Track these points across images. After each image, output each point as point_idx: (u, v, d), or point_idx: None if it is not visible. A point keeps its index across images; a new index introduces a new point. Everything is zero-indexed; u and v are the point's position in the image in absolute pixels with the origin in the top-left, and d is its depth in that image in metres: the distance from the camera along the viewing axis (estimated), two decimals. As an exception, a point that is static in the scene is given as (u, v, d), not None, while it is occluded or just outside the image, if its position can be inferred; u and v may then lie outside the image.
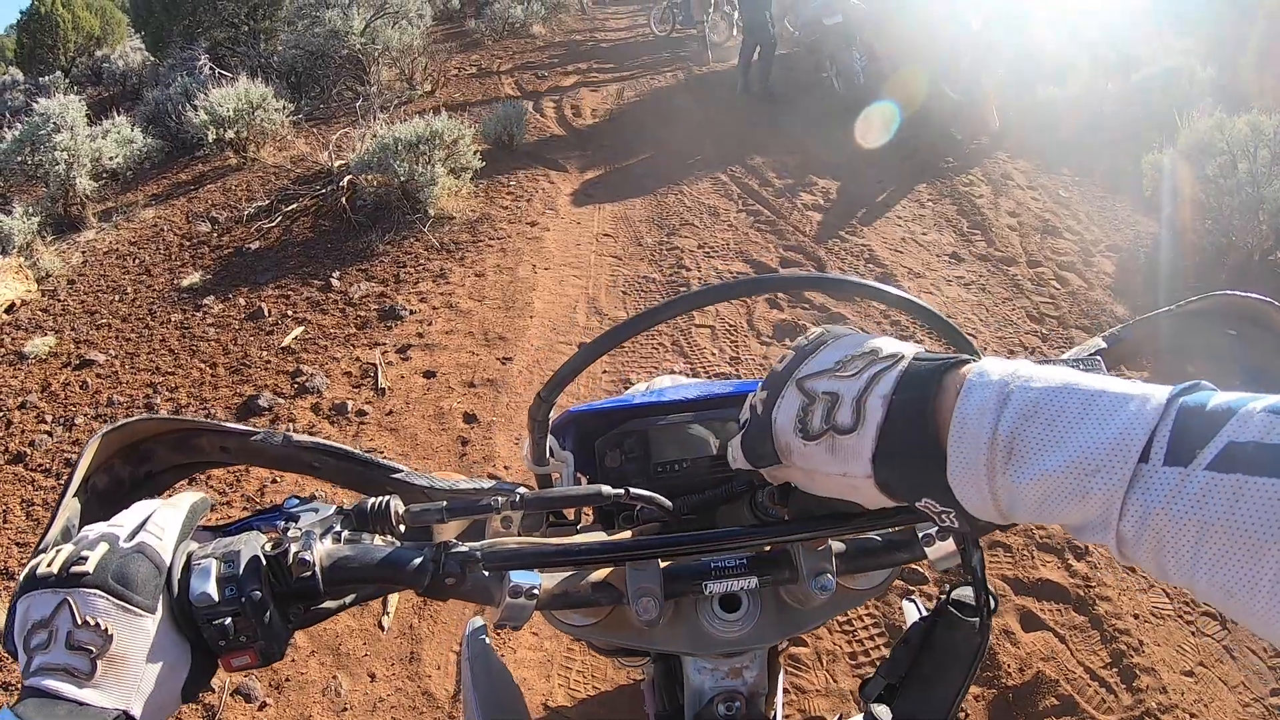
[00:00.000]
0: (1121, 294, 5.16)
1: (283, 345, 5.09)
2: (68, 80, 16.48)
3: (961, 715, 2.79)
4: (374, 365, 4.76)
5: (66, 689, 0.64)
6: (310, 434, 4.09)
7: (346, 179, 6.91)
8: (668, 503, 0.96)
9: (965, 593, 0.92)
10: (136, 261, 6.98)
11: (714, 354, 4.75)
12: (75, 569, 0.67)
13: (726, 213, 6.70)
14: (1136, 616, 3.11)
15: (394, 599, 3.31)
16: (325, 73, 11.25)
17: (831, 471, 0.66)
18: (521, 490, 0.88)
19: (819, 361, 0.68)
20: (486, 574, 0.79)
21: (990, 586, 0.93)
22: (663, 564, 0.86)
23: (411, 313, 5.29)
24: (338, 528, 0.80)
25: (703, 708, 0.97)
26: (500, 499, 0.84)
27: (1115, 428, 0.52)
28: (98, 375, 5.15)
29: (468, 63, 12.70)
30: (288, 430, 0.94)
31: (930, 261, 5.81)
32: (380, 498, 0.82)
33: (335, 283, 5.74)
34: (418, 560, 0.77)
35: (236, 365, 4.98)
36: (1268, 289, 3.88)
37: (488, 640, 1.29)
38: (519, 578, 0.78)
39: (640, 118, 9.61)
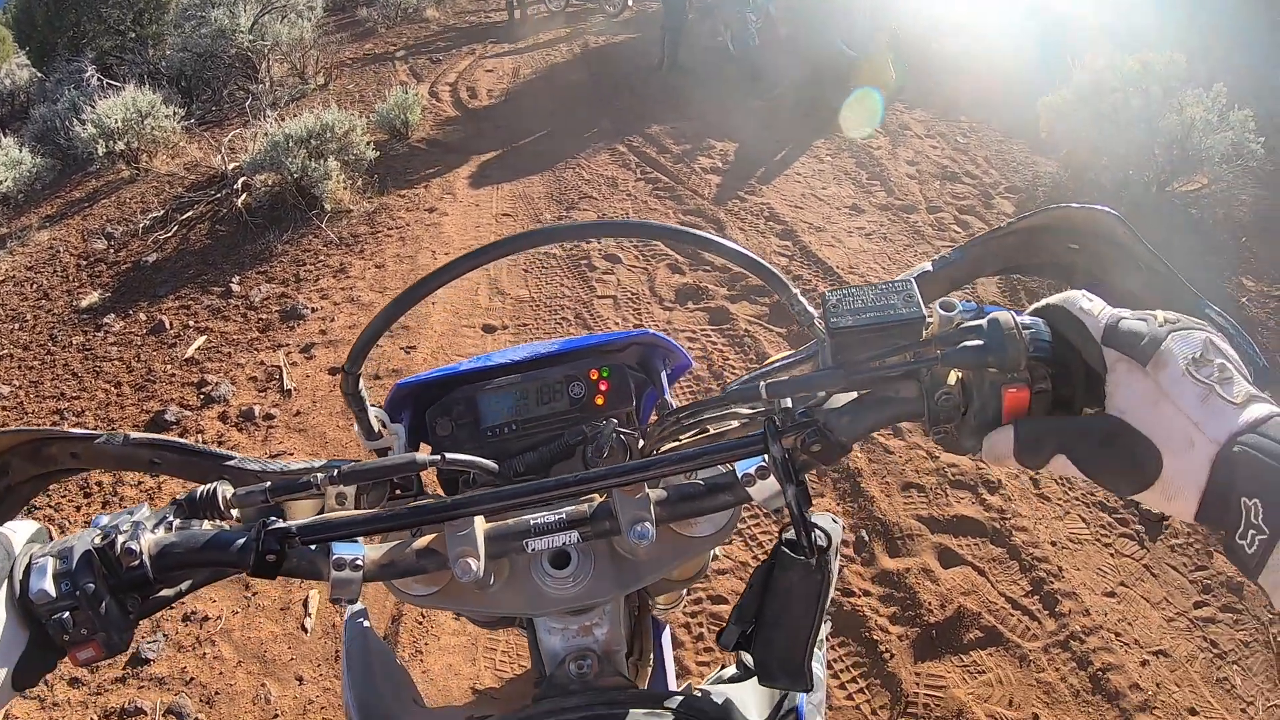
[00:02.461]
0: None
1: (186, 357, 5.05)
2: (-50, 104, 15.97)
3: (887, 656, 2.89)
4: (278, 367, 4.75)
5: None
6: (220, 444, 4.11)
7: (240, 181, 6.83)
8: (491, 464, 0.97)
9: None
10: (34, 287, 6.82)
11: (617, 323, 4.81)
12: None
13: (625, 182, 6.74)
14: (1054, 544, 3.22)
15: (315, 599, 3.32)
16: (215, 74, 11.04)
17: (1184, 409, 0.64)
18: (339, 465, 0.88)
19: (1224, 346, 0.67)
20: (313, 549, 0.79)
21: (828, 522, 0.92)
22: (487, 524, 0.85)
23: (313, 311, 5.27)
24: (170, 517, 0.80)
25: (557, 668, 0.98)
26: (320, 475, 0.85)
27: None
28: (2, 408, 5.07)
29: (361, 52, 12.52)
30: (127, 432, 0.97)
31: (831, 215, 5.90)
32: (208, 485, 0.83)
33: (235, 288, 5.69)
34: (240, 541, 0.77)
35: (141, 382, 4.93)
36: (1167, 218, 4.04)
37: (367, 624, 1.29)
38: (341, 550, 0.78)
39: (536, 95, 9.58)
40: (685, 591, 1.46)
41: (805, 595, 0.87)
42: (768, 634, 0.90)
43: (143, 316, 5.71)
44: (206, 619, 3.26)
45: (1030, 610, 3.01)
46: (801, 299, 0.89)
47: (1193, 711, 2.72)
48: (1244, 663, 2.85)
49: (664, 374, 1.27)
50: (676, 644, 2.94)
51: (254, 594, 3.40)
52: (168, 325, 5.45)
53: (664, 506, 0.84)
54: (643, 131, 7.80)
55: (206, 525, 0.81)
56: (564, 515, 0.84)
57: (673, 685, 1.47)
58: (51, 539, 0.78)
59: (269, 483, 0.84)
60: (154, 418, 4.51)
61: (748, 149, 7.19)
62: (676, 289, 5.04)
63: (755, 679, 0.94)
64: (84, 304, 6.17)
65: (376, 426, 1.04)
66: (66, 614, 0.71)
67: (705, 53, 9.88)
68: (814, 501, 3.40)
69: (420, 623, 3.14)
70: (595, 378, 1.18)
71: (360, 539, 0.80)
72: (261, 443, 4.18)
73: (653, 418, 1.34)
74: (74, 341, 5.67)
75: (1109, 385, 0.69)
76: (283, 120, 7.11)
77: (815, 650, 0.96)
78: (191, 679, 3.13)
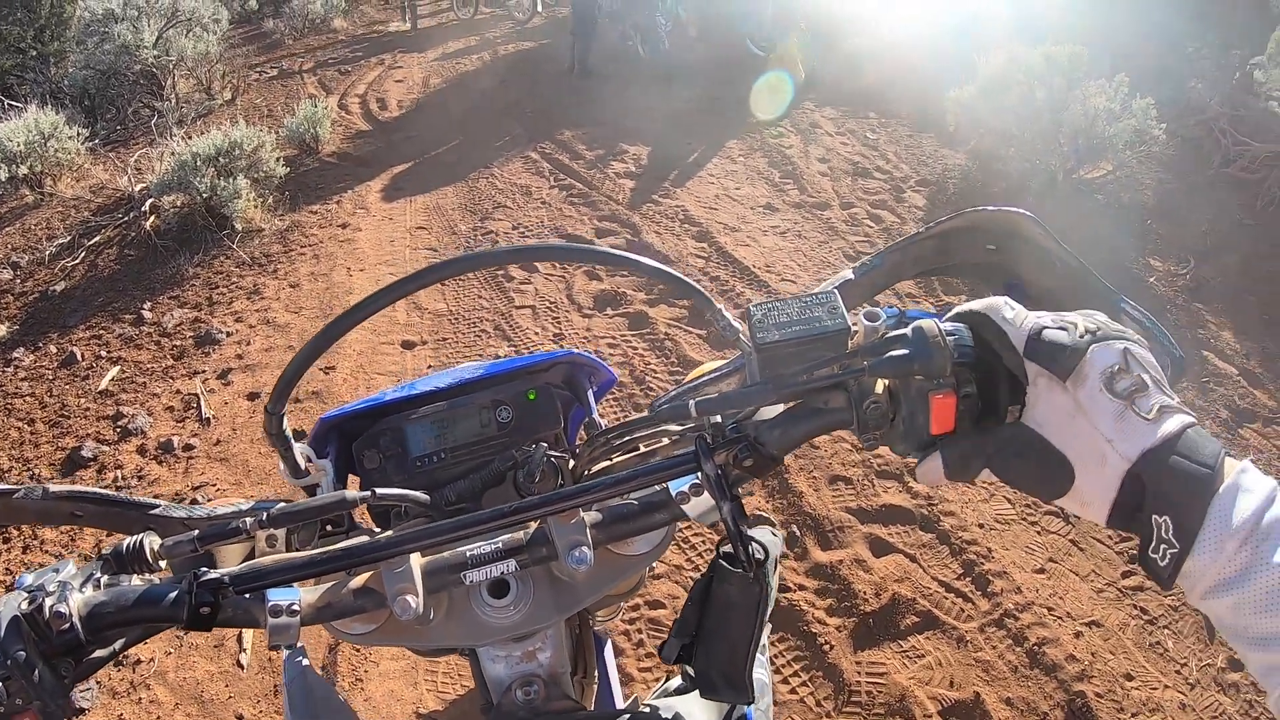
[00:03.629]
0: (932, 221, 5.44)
1: (100, 389, 4.96)
2: None
3: (827, 647, 2.96)
4: (196, 395, 4.70)
5: None
6: (139, 477, 4.06)
7: (148, 203, 6.71)
8: (422, 497, 0.97)
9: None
10: (-63, 323, 6.66)
11: (537, 333, 4.84)
12: None
13: (539, 190, 6.77)
14: (982, 526, 3.32)
15: (249, 635, 3.29)
16: (120, 92, 10.78)
17: (1099, 427, 0.67)
18: (272, 507, 0.86)
19: (1143, 355, 0.69)
20: (248, 597, 0.78)
21: (767, 534, 0.94)
22: (423, 558, 0.84)
23: (229, 334, 5.22)
24: (98, 574, 0.78)
25: (504, 695, 0.97)
26: (249, 519, 0.82)
27: None
28: (-90, 451, 4.95)
29: (269, 65, 12.33)
30: (45, 485, 0.96)
31: (745, 215, 6.00)
32: (135, 537, 0.81)
33: (147, 314, 5.59)
34: (173, 594, 0.75)
35: (55, 418, 4.83)
36: (1075, 206, 4.19)
37: (305, 661, 1.25)
38: (276, 596, 0.77)
39: (447, 104, 9.53)
40: (622, 605, 1.45)
41: (744, 607, 0.89)
42: (708, 646, 0.91)
43: (53, 349, 5.58)
44: (140, 662, 3.22)
45: (963, 592, 3.10)
46: (726, 314, 0.91)
47: (1129, 677, 2.83)
48: (1174, 626, 2.98)
49: (590, 392, 1.27)
50: (618, 652, 2.97)
51: (186, 633, 3.35)
52: (80, 357, 5.34)
53: (600, 529, 0.85)
54: (555, 138, 7.82)
55: (136, 580, 0.80)
56: (500, 545, 0.85)
57: (619, 700, 1.46)
58: None
59: (197, 531, 0.82)
60: (70, 454, 4.42)
61: (661, 152, 7.26)
62: (595, 296, 5.09)
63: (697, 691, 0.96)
64: (-9, 338, 6.03)
65: (303, 463, 1.03)
66: (0, 684, 0.68)
67: (616, 57, 9.93)
68: (744, 501, 3.50)
69: (358, 650, 3.14)
70: (522, 401, 1.18)
71: (295, 583, 0.79)
72: (183, 475, 4.14)
73: (580, 436, 1.35)
74: (-19, 376, 5.54)
75: (1029, 396, 0.72)
76: (190, 138, 6.98)
77: (758, 659, 0.97)
78: (128, 726, 3.09)
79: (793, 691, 2.85)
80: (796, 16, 8.53)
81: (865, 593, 3.12)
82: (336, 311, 5.21)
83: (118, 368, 5.15)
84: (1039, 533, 3.32)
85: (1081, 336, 0.70)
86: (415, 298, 5.33)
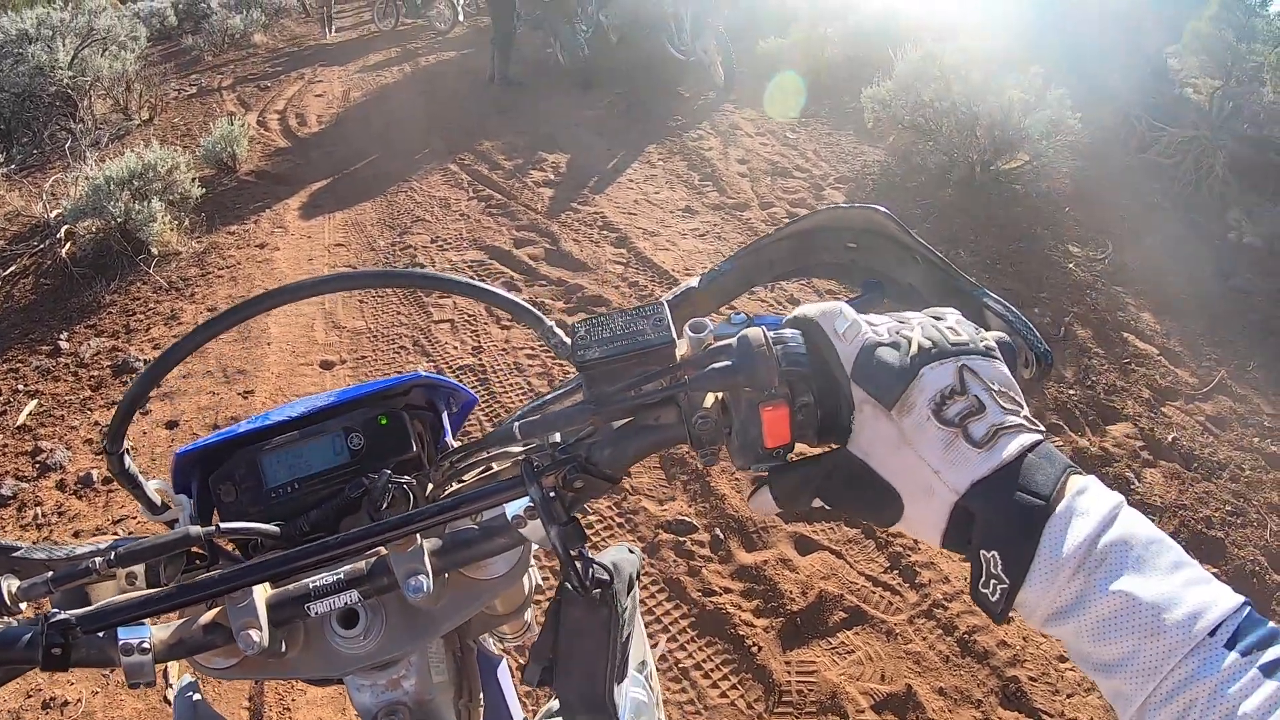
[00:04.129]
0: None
1: (18, 424, 4.92)
2: None
3: (755, 649, 2.98)
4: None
5: None
6: (60, 513, 4.04)
7: (63, 230, 6.64)
8: (271, 529, 0.95)
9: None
10: None
11: (456, 347, 4.88)
12: None
13: (458, 202, 6.81)
14: None
15: (173, 667, 3.25)
16: (35, 115, 10.62)
17: (925, 458, 0.65)
18: (118, 547, 0.83)
19: (984, 369, 0.66)
20: (100, 636, 0.77)
21: (616, 556, 0.88)
22: (270, 591, 0.83)
23: (146, 363, 5.19)
24: None
25: None
26: (99, 559, 0.81)
27: (1203, 594, 0.55)
28: None
29: (188, 83, 12.19)
30: None
31: (664, 219, 6.08)
32: None
33: (64, 345, 5.54)
34: (26, 636, 0.74)
35: (-29, 454, 4.80)
36: (993, 195, 4.32)
37: (197, 697, 1.18)
38: (126, 634, 0.76)
39: (367, 118, 9.52)
40: (530, 619, 1.45)
41: (593, 631, 0.86)
42: (565, 670, 0.88)
43: (-32, 383, 5.53)
44: (67, 703, 3.20)
45: (891, 585, 3.15)
46: (558, 331, 0.88)
47: (1061, 659, 2.90)
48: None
49: (446, 414, 1.24)
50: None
51: (111, 671, 3.34)
52: (-4, 391, 5.30)
53: (441, 555, 0.84)
54: (474, 149, 7.86)
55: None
56: (342, 575, 0.83)
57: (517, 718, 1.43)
58: None
59: (49, 573, 0.80)
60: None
61: (580, 159, 7.33)
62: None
63: None
64: (-94, 374, 5.94)
65: (160, 500, 1.01)
66: None
67: (536, 64, 10.00)
68: (665, 505, 3.57)
69: (286, 679, 3.15)
70: (374, 426, 1.14)
71: (146, 620, 0.78)
72: (103, 509, 4.12)
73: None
74: (-106, 415, 5.46)
75: (855, 422, 0.70)
76: (104, 161, 6.93)
77: (636, 677, 0.99)
78: (60, 768, 3.08)
79: (723, 695, 2.88)
80: (715, 19, 8.64)
81: (792, 592, 3.15)
82: (254, 333, 5.23)
83: (35, 401, 5.10)
84: (965, 519, 3.41)
85: (913, 357, 0.67)
86: (333, 316, 5.35)
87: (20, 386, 5.27)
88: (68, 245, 6.54)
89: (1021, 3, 8.05)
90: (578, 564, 0.80)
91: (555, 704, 1.21)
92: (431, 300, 5.34)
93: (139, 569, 0.94)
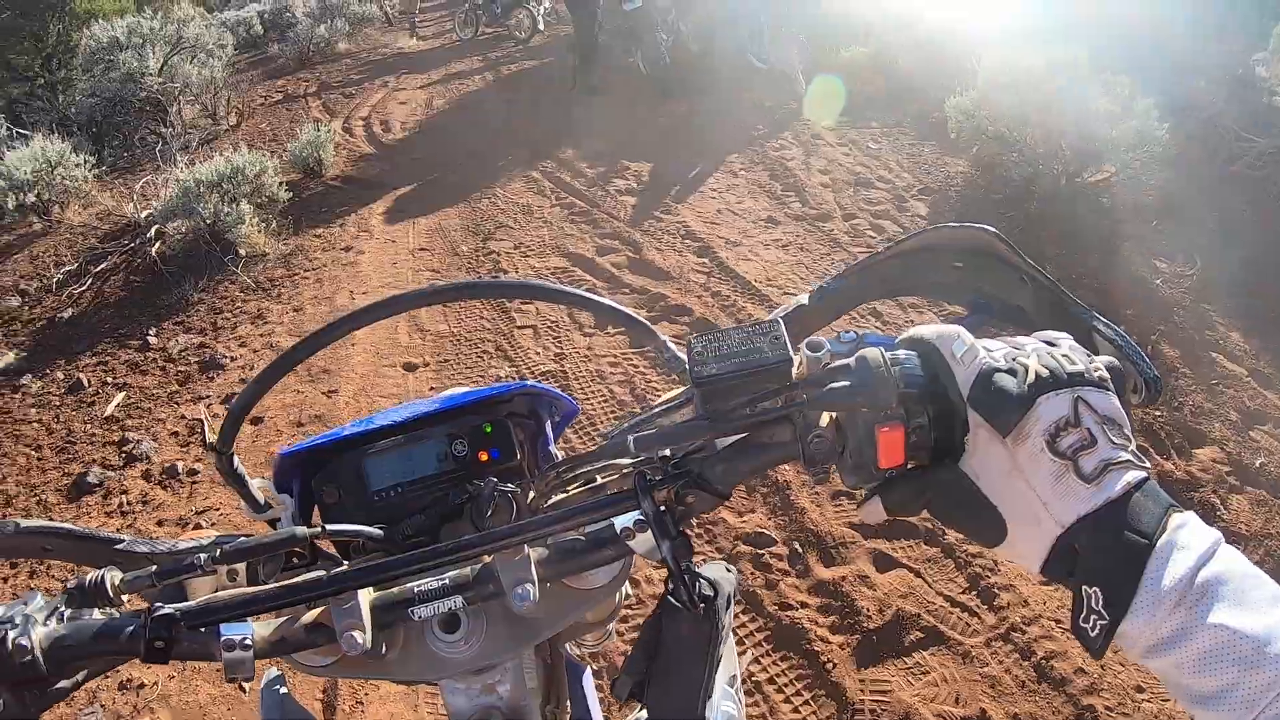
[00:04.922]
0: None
1: (106, 415, 5.00)
2: None
3: (830, 665, 2.93)
4: (200, 420, 4.73)
5: None
6: (144, 502, 4.08)
7: (154, 229, 6.76)
8: (375, 531, 0.97)
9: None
10: (-54, 349, 6.72)
11: (538, 353, 4.86)
12: None
13: (541, 209, 6.80)
14: None
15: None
16: (126, 119, 10.86)
17: (1035, 488, 0.65)
18: (224, 544, 0.85)
19: (1098, 401, 0.66)
20: (202, 631, 0.78)
21: (718, 571, 0.88)
22: (374, 594, 0.84)
23: (233, 359, 5.25)
24: (62, 607, 0.79)
25: None
26: (204, 555, 0.82)
27: None
28: (-84, 476, 4.99)
29: (274, 89, 12.43)
30: (17, 520, 0.97)
31: (747, 229, 6.01)
32: (97, 572, 0.81)
33: (153, 340, 5.64)
34: (130, 629, 0.76)
35: (62, 444, 4.86)
36: (1079, 210, 4.16)
37: (284, 690, 1.23)
38: (229, 631, 0.77)
39: (450, 125, 9.61)
40: (612, 628, 1.43)
41: (694, 646, 0.87)
42: (660, 684, 0.89)
43: (60, 375, 5.62)
44: (143, 685, 3.23)
45: (969, 606, 3.07)
46: (671, 346, 0.92)
47: (1139, 689, 2.79)
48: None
49: (549, 423, 1.24)
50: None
51: (148, 665, 3.38)
52: (86, 383, 5.38)
53: (547, 565, 0.85)
54: (557, 156, 7.87)
55: (98, 614, 0.80)
56: (447, 580, 0.84)
57: None
58: None
59: (154, 567, 0.82)
60: (76, 480, 4.45)
61: (662, 168, 7.29)
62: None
63: None
64: (0, 365, 6.08)
65: (263, 499, 1.04)
66: None
67: (617, 73, 9.97)
68: (744, 517, 3.50)
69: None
70: (479, 434, 1.15)
71: (249, 617, 0.80)
72: (186, 500, 4.16)
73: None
74: (-8, 404, 5.59)
75: (969, 443, 0.70)
76: (194, 164, 7.05)
77: (720, 696, 1.00)
78: (132, 750, 3.10)
79: (795, 711, 2.82)
80: (795, 28, 8.57)
81: (869, 609, 3.09)
82: (339, 334, 5.24)
83: (123, 393, 5.18)
84: (1046, 544, 3.30)
85: (1030, 385, 0.66)
86: (416, 319, 5.36)
87: (109, 379, 5.37)
88: (158, 244, 6.65)
89: (1106, 10, 7.85)
90: (686, 579, 0.80)
91: (642, 716, 1.16)
92: (514, 305, 5.32)
93: (240, 567, 0.96)
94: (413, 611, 0.83)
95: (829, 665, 2.94)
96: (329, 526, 0.91)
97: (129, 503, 4.22)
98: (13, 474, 4.75)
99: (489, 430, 1.15)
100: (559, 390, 1.18)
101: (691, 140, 7.80)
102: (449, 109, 10.29)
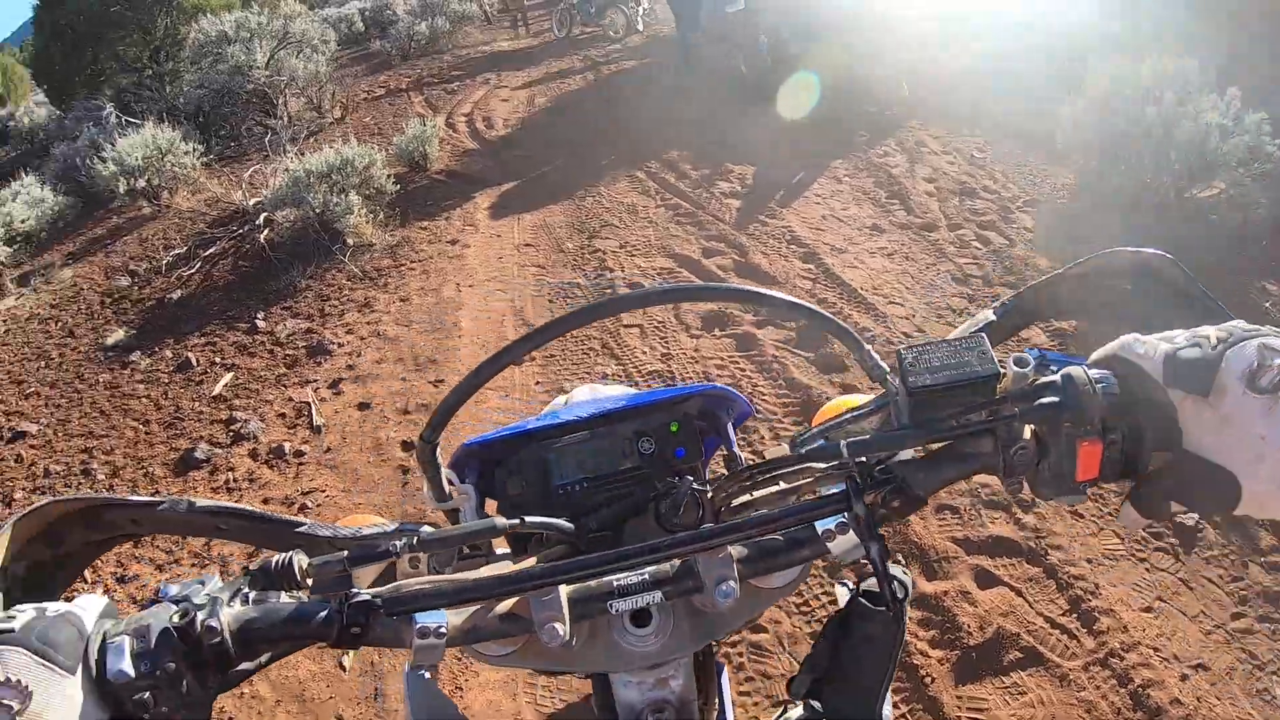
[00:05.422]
0: (1044, 248, 5.26)
1: (214, 394, 5.06)
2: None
3: (928, 680, 2.86)
4: (307, 403, 4.75)
5: None
6: (250, 480, 4.11)
7: (263, 217, 6.86)
8: (568, 525, 0.96)
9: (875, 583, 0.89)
10: (59, 324, 6.88)
11: (645, 352, 4.79)
12: (2, 627, 0.68)
13: (645, 209, 6.74)
14: (1090, 561, 3.17)
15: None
16: (233, 110, 11.13)
17: (1249, 429, 0.69)
18: (421, 530, 0.88)
19: (1276, 340, 0.70)
20: (396, 619, 0.78)
21: (901, 573, 0.91)
22: (569, 587, 0.84)
23: (340, 345, 5.29)
24: (246, 589, 0.78)
25: None
26: (399, 542, 0.83)
27: None
28: (31, 446, 5.08)
29: (376, 84, 12.62)
30: (191, 499, 0.95)
31: (852, 236, 5.88)
32: (283, 555, 0.81)
33: (261, 324, 5.72)
34: (323, 614, 0.76)
35: (170, 420, 4.94)
36: (1187, 225, 4.01)
37: (427, 675, 1.21)
38: (425, 618, 0.78)
39: (552, 122, 9.62)
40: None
41: (882, 645, 0.90)
42: (841, 683, 0.91)
43: (169, 353, 5.73)
44: None
45: (1069, 629, 2.97)
46: (874, 355, 0.92)
47: None
48: (1283, 674, 2.82)
49: (729, 425, 1.24)
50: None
51: (333, 649, 3.38)
52: (194, 362, 5.47)
53: (745, 564, 0.84)
54: (660, 156, 7.80)
55: (285, 597, 0.80)
56: (647, 576, 0.84)
57: None
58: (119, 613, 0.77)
59: (345, 552, 0.83)
60: (183, 456, 4.52)
61: (766, 172, 7.19)
62: (703, 316, 5.02)
63: None
64: (110, 341, 6.20)
65: (448, 488, 1.03)
66: (147, 694, 0.70)
67: (719, 76, 9.91)
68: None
69: (459, 658, 3.12)
70: (664, 432, 1.15)
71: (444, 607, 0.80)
72: (293, 480, 4.18)
73: (712, 467, 1.31)
74: (101, 379, 5.69)
75: (1181, 422, 0.73)
76: (302, 155, 7.15)
77: (887, 697, 0.97)
78: (230, 720, 3.14)
79: None
80: (899, 34, 8.41)
81: (969, 625, 3.00)
82: (446, 324, 5.26)
83: (231, 374, 5.24)
84: (1148, 569, 3.15)
85: (1214, 347, 0.71)
86: (522, 314, 5.34)
87: (217, 359, 5.45)
88: (266, 231, 6.75)
89: (1216, 21, 7.57)
90: (888, 581, 0.81)
91: (793, 713, 1.11)
92: (619, 304, 5.27)
93: (424, 555, 0.98)
94: (611, 605, 0.83)
95: (927, 679, 2.86)
96: (528, 519, 0.90)
97: (235, 480, 4.26)
98: (120, 446, 4.83)
99: (675, 429, 1.15)
100: (738, 393, 1.19)
101: (794, 144, 7.68)
102: (551, 107, 10.32)
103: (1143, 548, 3.22)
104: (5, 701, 0.64)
